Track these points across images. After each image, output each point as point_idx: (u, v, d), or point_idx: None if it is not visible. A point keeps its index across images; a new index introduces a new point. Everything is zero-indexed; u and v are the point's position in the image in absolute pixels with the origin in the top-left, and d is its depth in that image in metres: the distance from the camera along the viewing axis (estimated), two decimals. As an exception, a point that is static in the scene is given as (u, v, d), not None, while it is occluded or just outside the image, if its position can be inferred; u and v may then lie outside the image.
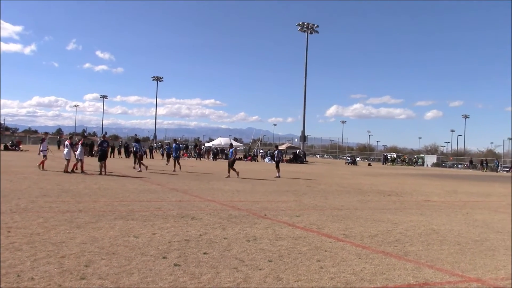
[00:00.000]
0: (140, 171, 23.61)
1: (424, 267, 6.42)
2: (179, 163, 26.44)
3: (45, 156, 22.21)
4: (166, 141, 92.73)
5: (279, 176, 24.62)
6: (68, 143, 21.87)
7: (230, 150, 24.37)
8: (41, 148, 22.79)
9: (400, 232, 9.18)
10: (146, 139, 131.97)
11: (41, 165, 21.61)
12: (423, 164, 77.02)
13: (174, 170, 25.45)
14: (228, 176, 22.14)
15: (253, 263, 6.13)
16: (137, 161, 25.10)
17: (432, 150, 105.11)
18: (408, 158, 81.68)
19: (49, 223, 8.18)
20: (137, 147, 25.79)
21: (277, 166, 26.00)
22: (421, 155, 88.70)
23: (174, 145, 27.87)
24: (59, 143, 47.56)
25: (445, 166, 75.82)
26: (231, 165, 23.06)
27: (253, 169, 34.05)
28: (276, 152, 28.26)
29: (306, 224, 9.50)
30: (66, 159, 20.71)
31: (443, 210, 13.29)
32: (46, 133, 28.46)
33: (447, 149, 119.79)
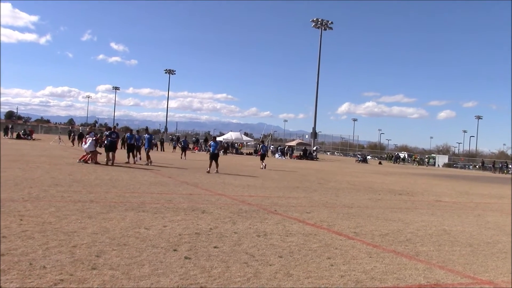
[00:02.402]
0: (135, 162, 23.11)
1: (435, 268, 6.37)
2: (137, 155, 24.16)
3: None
4: (177, 134, 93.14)
5: (264, 168, 27.42)
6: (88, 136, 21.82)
7: (212, 143, 22.92)
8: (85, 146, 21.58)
9: (411, 231, 9.12)
10: (157, 132, 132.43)
11: (86, 159, 20.99)
12: (434, 164, 76.60)
13: (134, 163, 23.21)
14: (209, 172, 20.82)
15: (264, 258, 6.12)
16: (136, 153, 23.94)
17: (444, 150, 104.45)
18: (419, 157, 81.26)
19: (61, 213, 8.23)
20: (137, 139, 24.34)
21: (262, 159, 28.95)
22: (432, 155, 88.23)
23: (146, 136, 25.39)
24: (70, 134, 47.65)
25: (456, 167, 75.32)
26: (213, 158, 21.57)
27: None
28: (261, 146, 32.71)
29: (316, 221, 9.47)
30: (90, 151, 20.70)
31: (455, 211, 13.20)
32: (91, 127, 28.23)
33: (459, 149, 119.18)
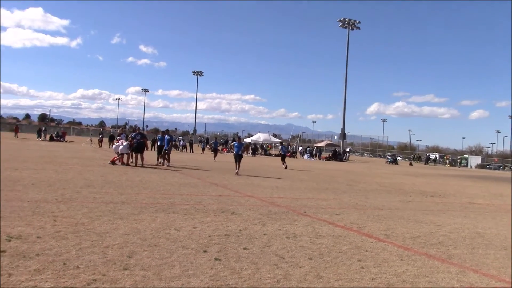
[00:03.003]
0: (159, 164, 22.55)
1: (469, 271, 6.24)
2: (168, 158, 23.13)
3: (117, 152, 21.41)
4: (205, 135, 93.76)
5: (286, 167, 27.99)
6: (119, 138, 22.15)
7: (236, 144, 22.34)
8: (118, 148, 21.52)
9: (444, 234, 8.96)
10: (186, 133, 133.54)
11: (117, 161, 21.10)
12: (466, 165, 75.14)
13: (163, 165, 22.67)
14: (237, 173, 20.36)
15: (293, 260, 6.09)
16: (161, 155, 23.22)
17: (477, 151, 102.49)
18: (451, 158, 79.85)
19: (93, 213, 8.37)
20: (161, 140, 23.63)
21: (283, 159, 29.55)
22: (464, 155, 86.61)
23: (166, 137, 23.80)
24: (101, 135, 48.34)
25: (490, 168, 73.68)
26: (238, 159, 21.19)
27: (291, 165, 33.92)
28: (281, 147, 33.81)
29: (346, 223, 9.40)
30: (124, 153, 21.02)
31: (489, 213, 12.91)
32: (122, 128, 28.54)
33: (492, 150, 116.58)
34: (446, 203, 14.88)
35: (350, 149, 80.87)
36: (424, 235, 8.72)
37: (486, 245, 8.20)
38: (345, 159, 60.96)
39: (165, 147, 23.01)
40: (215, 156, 33.22)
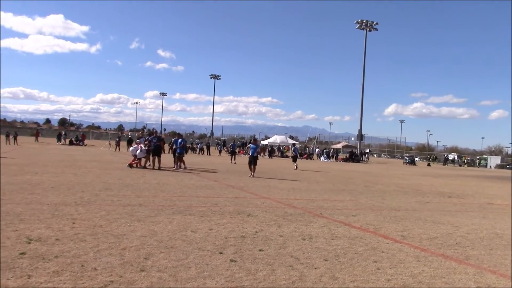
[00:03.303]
0: (175, 168, 22.28)
1: (486, 272, 6.18)
2: (182, 161, 22.94)
3: (134, 155, 21.58)
4: (222, 138, 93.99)
5: (296, 168, 28.91)
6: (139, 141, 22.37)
7: (252, 145, 22.16)
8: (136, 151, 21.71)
9: (461, 235, 8.88)
10: (203, 136, 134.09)
11: (134, 164, 21.33)
12: (486, 166, 74.17)
13: (180, 167, 22.46)
14: (252, 176, 20.25)
15: (309, 261, 6.10)
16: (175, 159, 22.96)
17: (496, 151, 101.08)
18: (470, 158, 78.91)
19: (111, 216, 8.47)
20: (175, 143, 23.41)
21: (294, 160, 30.73)
22: (484, 156, 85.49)
23: (178, 140, 23.48)
24: (118, 138, 48.70)
25: (509, 168, 72.55)
26: (253, 161, 21.09)
27: (308, 167, 33.86)
28: (293, 148, 34.57)
29: (362, 224, 9.37)
30: (140, 157, 21.28)
31: (507, 214, 12.74)
32: (142, 132, 28.74)
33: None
34: (464, 203, 14.73)
35: (369, 151, 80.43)
36: (442, 236, 8.65)
37: (504, 246, 8.11)
38: (364, 160, 60.78)
39: (177, 150, 22.87)
40: (233, 159, 33.16)
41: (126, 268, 5.27)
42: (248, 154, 21.24)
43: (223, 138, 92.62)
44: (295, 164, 30.03)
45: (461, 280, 5.72)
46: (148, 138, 21.86)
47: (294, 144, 35.17)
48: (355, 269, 5.86)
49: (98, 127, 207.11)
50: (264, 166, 29.08)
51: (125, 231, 7.23)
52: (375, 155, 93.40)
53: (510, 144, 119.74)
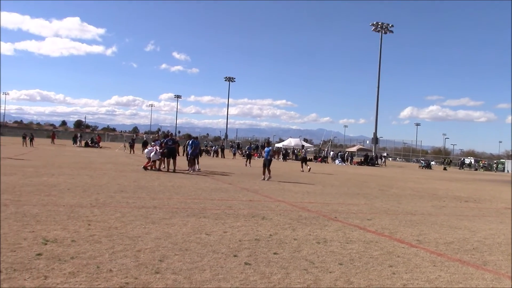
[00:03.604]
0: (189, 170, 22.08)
1: (504, 278, 6.09)
2: (193, 162, 22.84)
3: (148, 158, 21.69)
4: (236, 141, 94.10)
5: (303, 171, 29.54)
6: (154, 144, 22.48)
7: (266, 149, 22.12)
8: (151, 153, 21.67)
9: (478, 240, 8.77)
10: (218, 139, 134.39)
11: (148, 167, 21.41)
12: (503, 170, 73.24)
13: (194, 170, 22.30)
14: (264, 179, 20.05)
15: (323, 265, 6.07)
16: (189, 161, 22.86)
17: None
18: (487, 162, 78.02)
19: (126, 218, 8.51)
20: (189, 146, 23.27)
21: (304, 162, 31.39)
22: (501, 160, 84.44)
23: (189, 141, 23.63)
24: (133, 142, 48.89)
25: (527, 173, 71.49)
26: (267, 165, 20.78)
27: (322, 170, 33.75)
28: (303, 151, 34.95)
29: (377, 228, 9.30)
30: (155, 159, 21.41)
31: (526, 219, 12.56)
32: (158, 135, 28.67)
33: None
34: (481, 208, 14.56)
35: (387, 154, 79.92)
36: (458, 241, 8.55)
37: (522, 252, 7.99)
38: (381, 163, 60.51)
39: (189, 151, 22.82)
40: (249, 162, 33.04)
41: (141, 270, 5.29)
42: (263, 157, 21.13)
43: (237, 141, 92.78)
44: (307, 166, 30.76)
45: (478, 285, 5.64)
46: (163, 141, 21.91)
47: (303, 147, 35.91)
48: (371, 274, 5.82)
49: (113, 129, 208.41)
50: (278, 169, 29.04)
51: (140, 233, 7.26)
52: (390, 159, 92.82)
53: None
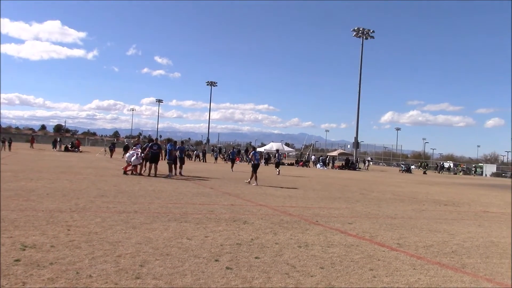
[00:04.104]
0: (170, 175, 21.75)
1: (482, 281, 6.18)
2: (181, 167, 23.44)
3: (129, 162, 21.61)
4: (218, 145, 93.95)
5: (278, 174, 30.26)
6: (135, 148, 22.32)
7: (256, 154, 22.53)
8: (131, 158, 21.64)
9: (457, 243, 8.88)
10: (199, 143, 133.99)
11: (128, 171, 21.37)
12: (481, 174, 74.34)
13: (175, 174, 22.46)
14: (253, 183, 20.75)
15: (305, 269, 6.09)
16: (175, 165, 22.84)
17: (492, 159, 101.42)
18: (465, 166, 79.11)
19: (106, 223, 8.43)
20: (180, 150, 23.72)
21: (277, 166, 33.22)
22: (479, 164, 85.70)
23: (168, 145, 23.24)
24: (113, 146, 48.43)
25: (505, 176, 72.69)
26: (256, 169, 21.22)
27: (304, 174, 33.86)
28: (277, 155, 36.19)
29: (358, 232, 9.36)
30: (136, 164, 21.26)
31: (503, 222, 12.76)
32: (138, 139, 28.44)
33: (508, 158, 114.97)
34: (460, 212, 14.75)
35: (371, 158, 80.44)
36: (438, 244, 8.65)
37: (500, 254, 8.12)
38: (364, 167, 61.05)
39: (167, 156, 22.57)
40: (232, 166, 32.82)
41: (122, 275, 5.24)
42: (254, 162, 21.11)
43: (219, 145, 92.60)
44: (277, 169, 32.14)
45: (457, 288, 5.71)
46: (147, 145, 21.74)
47: (277, 151, 36.22)
48: (352, 277, 5.85)
49: (94, 134, 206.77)
50: (260, 173, 29.01)
51: (120, 238, 7.20)
52: (371, 163, 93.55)
53: (506, 153, 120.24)
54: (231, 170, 31.06)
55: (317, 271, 6.02)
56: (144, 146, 21.85)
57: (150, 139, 23.76)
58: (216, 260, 6.21)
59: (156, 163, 21.16)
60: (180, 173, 22.86)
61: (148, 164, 21.38)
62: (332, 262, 6.61)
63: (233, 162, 33.85)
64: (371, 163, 75.76)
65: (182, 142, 25.83)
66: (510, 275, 6.60)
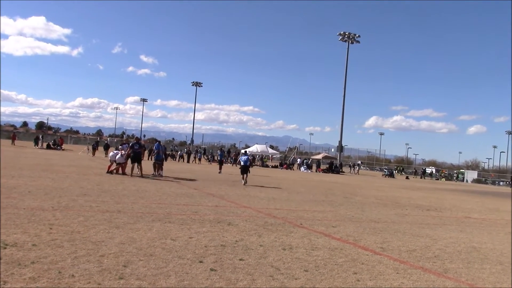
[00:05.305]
0: (153, 174, 22.20)
1: (464, 286, 6.24)
2: (161, 168, 23.13)
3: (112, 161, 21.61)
4: (202, 146, 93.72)
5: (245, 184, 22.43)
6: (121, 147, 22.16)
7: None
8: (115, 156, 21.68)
9: (439, 248, 8.96)
10: (184, 144, 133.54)
11: (115, 170, 21.30)
12: (463, 180, 75.24)
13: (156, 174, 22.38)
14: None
15: (289, 272, 6.08)
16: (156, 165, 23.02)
17: (473, 166, 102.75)
18: (447, 172, 79.97)
19: (89, 222, 8.34)
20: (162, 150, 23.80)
21: (244, 172, 25.25)
22: (461, 170, 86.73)
23: (155, 145, 24.11)
24: (97, 145, 48.10)
25: (486, 183, 73.71)
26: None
27: (288, 177, 33.93)
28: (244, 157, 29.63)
29: (342, 235, 9.39)
30: (120, 163, 21.12)
31: (484, 228, 12.92)
32: (127, 139, 28.21)
33: (488, 165, 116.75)
34: (442, 217, 14.89)
35: (361, 162, 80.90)
36: (420, 248, 8.72)
37: (482, 260, 8.21)
38: (354, 172, 61.54)
39: (155, 156, 22.90)
40: (220, 168, 32.49)
41: (105, 275, 5.19)
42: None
43: (203, 146, 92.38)
44: (244, 178, 22.31)
45: (440, 293, 5.75)
46: (130, 144, 21.65)
47: (246, 152, 31.54)
48: (336, 280, 5.86)
49: (77, 132, 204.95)
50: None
51: (103, 238, 7.13)
52: (362, 167, 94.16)
53: (487, 159, 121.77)
54: (219, 172, 30.84)
55: (302, 274, 6.02)
56: (130, 145, 21.77)
57: (137, 139, 23.58)
58: (201, 262, 6.18)
59: (139, 162, 20.97)
60: (160, 174, 22.63)
61: (131, 164, 21.20)
62: (316, 265, 6.62)
63: (221, 163, 33.57)
64: (361, 167, 75.90)
65: (159, 142, 25.73)
66: (495, 280, 6.68)
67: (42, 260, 5.55)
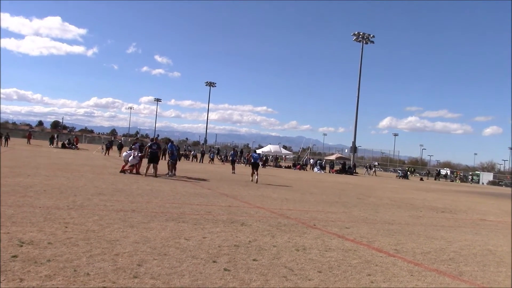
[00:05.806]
0: (168, 174, 22.09)
1: (480, 289, 6.18)
2: (175, 167, 23.05)
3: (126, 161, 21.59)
4: (216, 146, 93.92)
5: (257, 182, 22.83)
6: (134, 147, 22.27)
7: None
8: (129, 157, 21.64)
9: (454, 250, 8.88)
10: (197, 143, 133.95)
11: (129, 170, 21.39)
12: (478, 182, 74.47)
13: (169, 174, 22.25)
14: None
15: (303, 273, 6.07)
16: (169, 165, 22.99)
17: (489, 168, 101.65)
18: (462, 174, 79.24)
19: (104, 221, 8.41)
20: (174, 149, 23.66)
21: (255, 169, 23.92)
22: (476, 172, 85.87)
23: (169, 145, 23.93)
24: (110, 144, 48.46)
25: (501, 185, 72.83)
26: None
27: (301, 177, 33.86)
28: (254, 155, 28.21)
29: (356, 237, 9.35)
30: (133, 164, 21.25)
31: (500, 231, 12.78)
32: (137, 138, 28.40)
33: (504, 167, 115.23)
34: (457, 219, 14.76)
35: (378, 163, 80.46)
36: (435, 251, 8.65)
37: (497, 263, 8.12)
38: (371, 173, 61.29)
39: (172, 156, 23.07)
40: (233, 168, 32.38)
41: (119, 274, 5.22)
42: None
43: (217, 146, 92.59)
44: (254, 175, 23.25)
45: (455, 296, 5.70)
46: (148, 144, 21.78)
47: (255, 151, 30.93)
48: (349, 282, 5.84)
49: (91, 131, 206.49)
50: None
51: (118, 237, 7.18)
52: (378, 168, 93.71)
53: (503, 161, 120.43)
54: (233, 172, 30.77)
55: (315, 275, 6.01)
56: (146, 145, 21.94)
57: (155, 139, 23.63)
58: (214, 261, 6.20)
59: (156, 162, 21.00)
60: (174, 173, 22.68)
61: (147, 163, 21.28)
62: (330, 266, 6.60)
63: (233, 163, 33.48)
64: (378, 168, 75.06)
65: (172, 141, 25.76)
66: (510, 284, 6.60)
67: (58, 258, 5.61)
